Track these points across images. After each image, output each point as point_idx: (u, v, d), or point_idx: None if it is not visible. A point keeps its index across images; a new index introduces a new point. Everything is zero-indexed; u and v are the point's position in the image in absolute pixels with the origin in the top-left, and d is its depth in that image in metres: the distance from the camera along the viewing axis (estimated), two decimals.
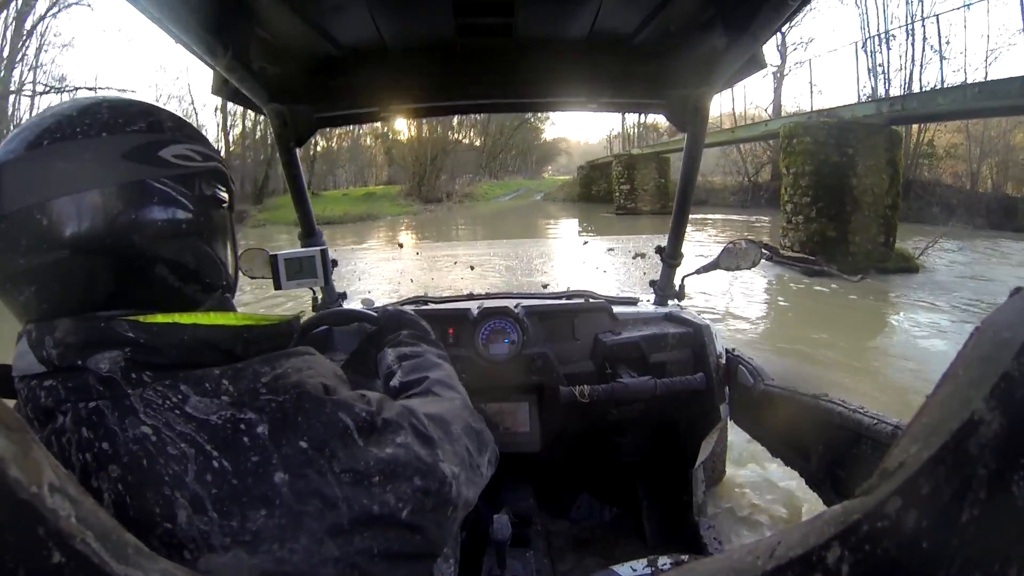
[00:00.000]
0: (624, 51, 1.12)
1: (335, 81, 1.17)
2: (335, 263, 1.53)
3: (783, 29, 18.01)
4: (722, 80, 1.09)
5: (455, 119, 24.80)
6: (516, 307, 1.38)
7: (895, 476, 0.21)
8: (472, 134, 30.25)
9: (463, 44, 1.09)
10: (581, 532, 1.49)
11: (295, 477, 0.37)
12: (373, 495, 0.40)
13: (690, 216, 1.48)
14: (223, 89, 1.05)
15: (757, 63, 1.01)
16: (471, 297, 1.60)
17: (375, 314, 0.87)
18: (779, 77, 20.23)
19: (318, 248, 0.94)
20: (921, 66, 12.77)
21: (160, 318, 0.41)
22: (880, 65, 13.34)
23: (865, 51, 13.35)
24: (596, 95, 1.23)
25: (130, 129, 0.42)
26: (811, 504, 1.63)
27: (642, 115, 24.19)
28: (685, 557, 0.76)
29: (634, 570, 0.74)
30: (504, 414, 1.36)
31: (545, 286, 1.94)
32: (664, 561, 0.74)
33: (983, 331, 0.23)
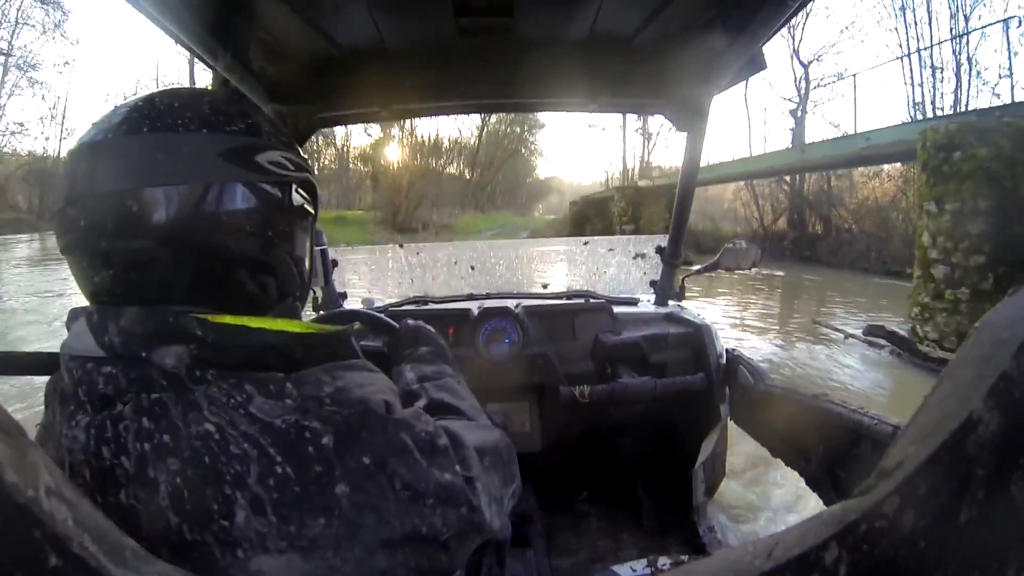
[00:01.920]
0: (624, 51, 1.11)
1: (335, 81, 1.17)
2: (335, 263, 1.53)
3: (805, 62, 16.96)
4: (723, 80, 1.09)
5: (444, 146, 24.09)
6: (516, 307, 1.38)
7: (893, 476, 0.21)
8: (461, 164, 29.05)
9: (463, 44, 1.09)
10: (581, 532, 1.49)
11: (356, 490, 0.38)
12: (424, 516, 0.40)
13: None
14: (223, 90, 1.05)
15: (757, 64, 1.01)
16: (471, 297, 1.60)
17: (393, 323, 0.85)
18: (800, 115, 17.59)
19: (318, 248, 0.94)
20: (968, 93, 11.39)
21: (229, 319, 0.41)
22: (917, 105, 11.90)
23: (911, 85, 12.07)
24: (596, 95, 1.23)
25: (229, 129, 0.43)
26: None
27: (647, 150, 22.86)
28: (685, 557, 0.76)
29: (634, 570, 0.74)
30: (504, 414, 1.36)
31: (545, 286, 1.94)
32: (664, 561, 0.74)
33: (981, 331, 0.23)
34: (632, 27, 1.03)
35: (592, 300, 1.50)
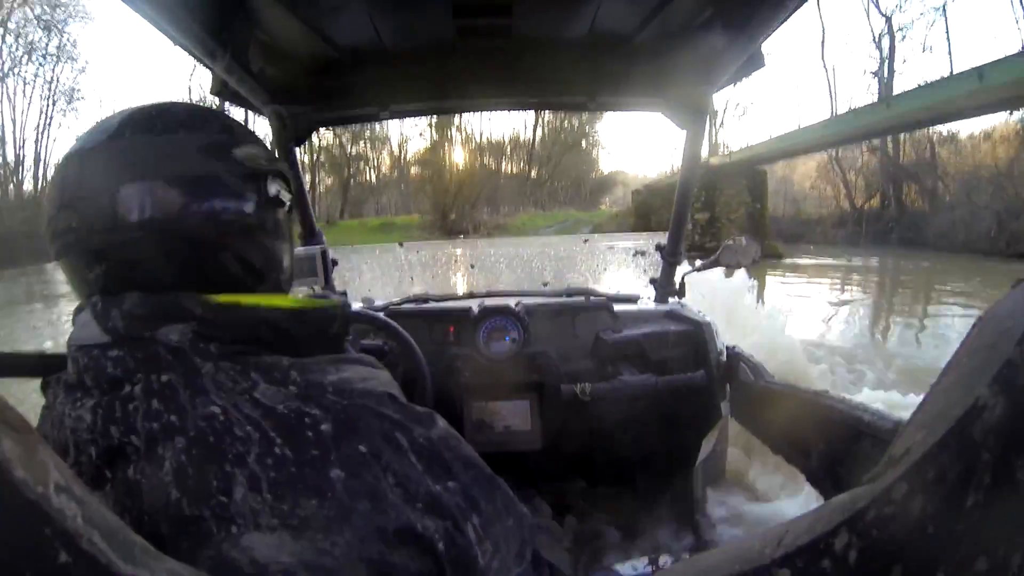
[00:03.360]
0: (623, 50, 1.12)
1: (334, 82, 1.17)
2: (335, 263, 1.53)
3: (886, 13, 15.19)
4: (722, 79, 1.10)
5: (502, 143, 23.69)
6: (517, 305, 1.38)
7: (901, 462, 0.21)
8: (520, 161, 28.06)
9: (462, 44, 1.09)
10: (582, 530, 1.50)
11: (351, 476, 0.39)
12: (417, 515, 0.40)
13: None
14: (222, 91, 1.05)
15: (757, 62, 1.01)
16: (471, 296, 1.60)
17: (427, 370, 0.89)
18: (885, 76, 15.01)
19: (318, 247, 0.94)
20: None
21: (223, 298, 0.44)
22: None
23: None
24: (595, 94, 1.23)
25: (205, 128, 0.47)
26: None
27: (715, 128, 20.36)
28: (686, 555, 0.76)
29: (635, 568, 0.74)
30: (505, 412, 1.36)
31: (545, 284, 1.96)
32: (665, 559, 0.74)
33: (986, 321, 0.24)
34: (631, 26, 1.03)
35: (592, 298, 1.51)
